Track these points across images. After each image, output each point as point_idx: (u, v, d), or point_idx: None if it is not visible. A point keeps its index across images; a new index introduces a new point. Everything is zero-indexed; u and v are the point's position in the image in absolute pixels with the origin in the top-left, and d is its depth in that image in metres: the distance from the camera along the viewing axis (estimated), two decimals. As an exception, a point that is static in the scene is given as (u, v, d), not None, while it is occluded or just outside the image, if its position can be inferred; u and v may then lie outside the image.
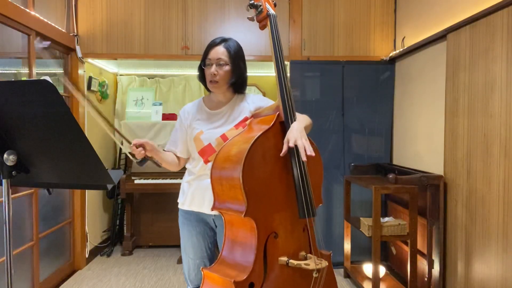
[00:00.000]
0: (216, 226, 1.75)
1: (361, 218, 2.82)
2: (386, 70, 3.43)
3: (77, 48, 3.33)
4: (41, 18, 2.82)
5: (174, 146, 1.78)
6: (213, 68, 1.63)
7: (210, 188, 1.49)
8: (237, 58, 1.68)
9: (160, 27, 3.40)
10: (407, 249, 2.73)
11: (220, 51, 1.64)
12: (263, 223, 1.37)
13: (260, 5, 1.58)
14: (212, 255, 1.80)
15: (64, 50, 3.26)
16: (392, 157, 3.46)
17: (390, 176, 2.62)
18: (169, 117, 3.93)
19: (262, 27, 1.64)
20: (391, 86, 3.44)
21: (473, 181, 2.27)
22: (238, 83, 1.70)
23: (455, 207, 2.44)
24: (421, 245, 2.72)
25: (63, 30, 3.20)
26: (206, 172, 1.65)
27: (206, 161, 1.68)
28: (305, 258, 1.45)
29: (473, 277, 2.27)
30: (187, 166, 1.79)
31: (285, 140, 1.40)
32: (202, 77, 1.72)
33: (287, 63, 3.49)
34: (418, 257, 2.65)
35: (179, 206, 1.79)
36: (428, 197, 2.55)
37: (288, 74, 3.45)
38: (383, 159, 3.45)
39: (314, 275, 1.40)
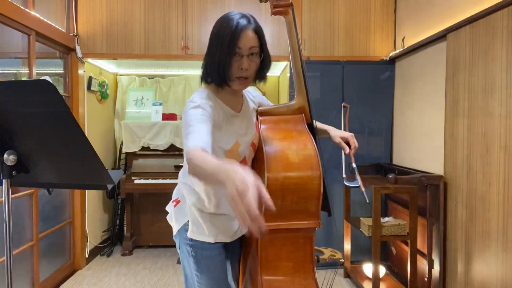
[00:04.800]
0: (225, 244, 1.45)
1: (361, 218, 2.82)
2: (386, 70, 3.43)
3: (77, 48, 3.33)
4: (41, 18, 2.82)
5: (206, 145, 1.07)
6: (246, 61, 1.21)
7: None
8: (266, 44, 1.29)
9: (160, 27, 3.39)
10: (407, 249, 2.73)
11: (251, 36, 1.21)
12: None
13: None
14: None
15: (64, 50, 3.26)
16: (392, 157, 3.46)
17: (390, 176, 2.62)
18: (169, 117, 3.93)
19: (276, 13, 1.37)
20: (391, 86, 3.44)
21: (473, 181, 2.27)
22: (262, 79, 1.34)
23: (455, 207, 2.44)
24: (421, 245, 2.72)
25: (63, 30, 3.20)
26: None
27: None
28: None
29: (473, 277, 2.27)
30: (197, 185, 1.34)
31: (346, 138, 1.41)
32: (224, 69, 1.21)
33: (287, 63, 3.49)
34: (418, 257, 2.65)
35: (197, 238, 1.37)
36: (428, 197, 2.55)
37: (288, 75, 3.45)
38: (383, 159, 3.45)
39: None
